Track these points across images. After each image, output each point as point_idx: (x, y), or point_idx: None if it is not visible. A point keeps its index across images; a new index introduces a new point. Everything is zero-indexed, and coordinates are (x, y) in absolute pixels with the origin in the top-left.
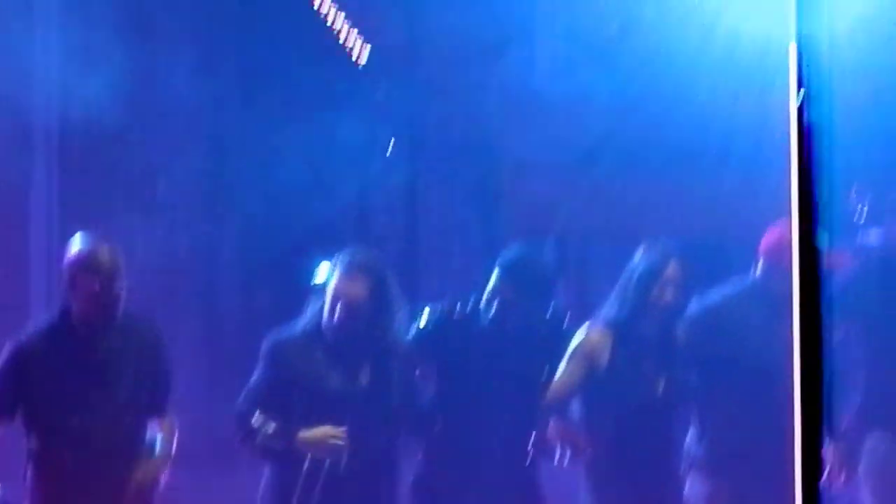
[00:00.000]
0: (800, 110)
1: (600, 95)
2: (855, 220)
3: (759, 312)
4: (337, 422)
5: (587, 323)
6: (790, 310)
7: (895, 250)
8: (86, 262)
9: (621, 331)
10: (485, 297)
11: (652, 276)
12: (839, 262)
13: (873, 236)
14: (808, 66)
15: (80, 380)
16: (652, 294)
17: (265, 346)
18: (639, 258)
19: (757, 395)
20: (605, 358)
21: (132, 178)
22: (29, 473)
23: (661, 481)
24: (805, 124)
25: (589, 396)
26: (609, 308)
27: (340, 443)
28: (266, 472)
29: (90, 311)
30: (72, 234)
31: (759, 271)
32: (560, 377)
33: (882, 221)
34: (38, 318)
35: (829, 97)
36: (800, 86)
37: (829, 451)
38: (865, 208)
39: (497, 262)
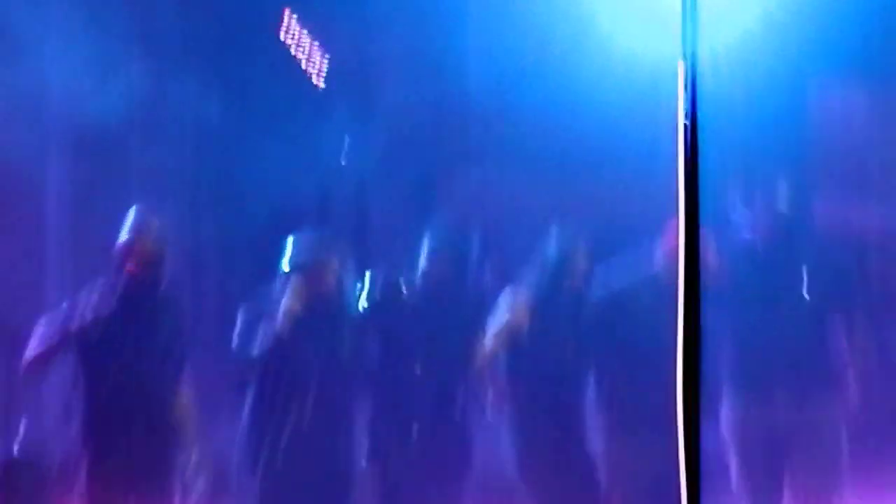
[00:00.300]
0: (687, 121)
1: (525, 106)
2: (734, 217)
3: (653, 296)
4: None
5: (508, 300)
6: (676, 294)
7: (766, 244)
8: (133, 246)
9: (537, 306)
10: (419, 273)
11: (561, 261)
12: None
13: (748, 231)
14: (692, 81)
15: (130, 334)
16: (560, 276)
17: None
18: (551, 245)
19: (645, 368)
20: (524, 329)
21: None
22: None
23: (568, 428)
24: (689, 134)
25: (511, 360)
26: (526, 288)
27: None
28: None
29: (136, 282)
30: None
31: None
32: (488, 343)
33: (757, 218)
34: (95, 282)
35: (712, 108)
36: (688, 100)
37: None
38: (743, 206)
39: (430, 246)
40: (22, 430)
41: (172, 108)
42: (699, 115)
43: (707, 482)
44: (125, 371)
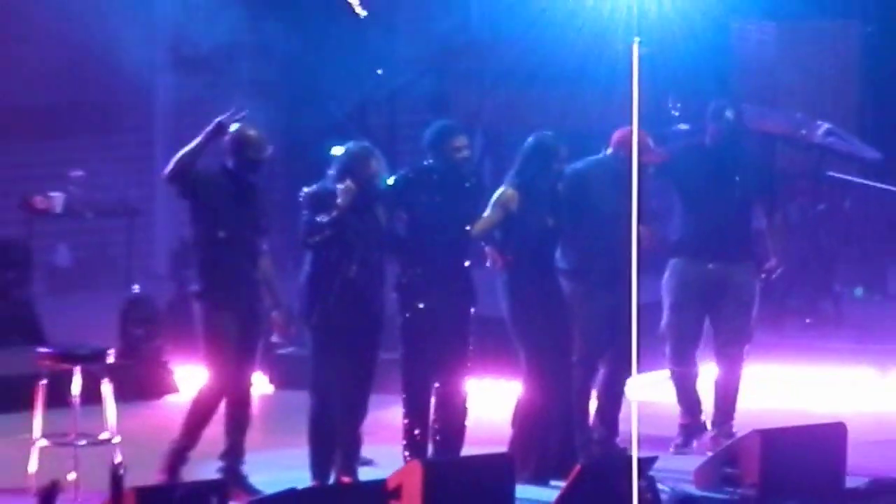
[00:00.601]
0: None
1: (514, 39)
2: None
3: (608, 177)
4: (351, 246)
5: (503, 185)
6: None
7: (719, 136)
8: (245, 139)
9: (522, 188)
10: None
11: (547, 152)
12: (658, 156)
13: (683, 134)
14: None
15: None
16: (553, 169)
17: (303, 196)
18: (531, 140)
19: (605, 227)
20: (514, 205)
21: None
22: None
23: (551, 280)
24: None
25: (505, 229)
26: (516, 174)
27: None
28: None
29: (248, 164)
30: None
31: (608, 152)
32: (487, 217)
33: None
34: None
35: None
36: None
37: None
38: (677, 113)
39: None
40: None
41: (258, 41)
42: (642, 41)
43: (644, 325)
44: (232, 236)
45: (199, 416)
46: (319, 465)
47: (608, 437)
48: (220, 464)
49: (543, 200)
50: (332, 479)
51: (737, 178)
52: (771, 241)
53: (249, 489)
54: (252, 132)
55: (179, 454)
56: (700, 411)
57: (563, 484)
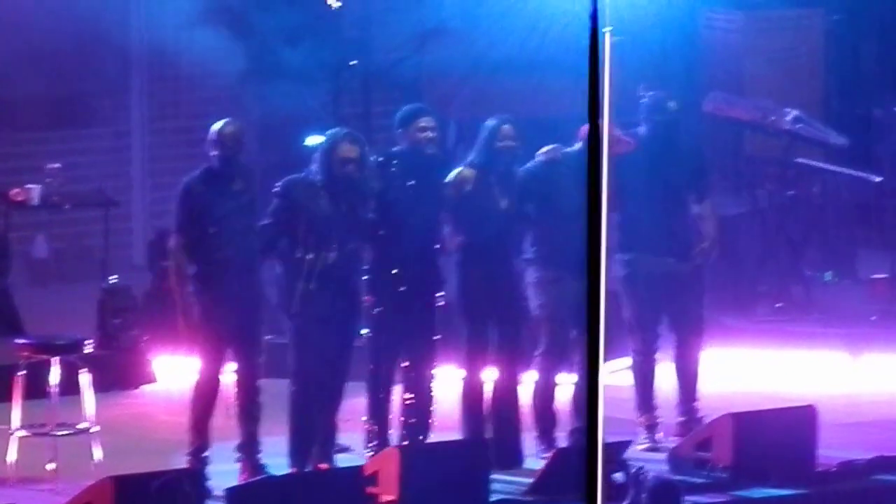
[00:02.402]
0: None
1: (490, 21)
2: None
3: (575, 170)
4: (329, 233)
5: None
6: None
7: (649, 130)
8: (224, 134)
9: (476, 168)
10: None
11: (493, 134)
12: (627, 145)
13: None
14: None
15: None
16: (496, 148)
17: (280, 186)
18: (488, 122)
19: (572, 217)
20: (469, 186)
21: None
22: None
23: (502, 263)
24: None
25: (458, 210)
26: (471, 154)
27: None
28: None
29: (225, 165)
30: None
31: (578, 146)
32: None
33: (655, 111)
34: (191, 173)
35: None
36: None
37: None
38: (646, 101)
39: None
40: None
41: (231, 31)
42: (612, 30)
43: (615, 312)
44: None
45: (198, 414)
46: (298, 453)
47: (584, 428)
48: (237, 455)
49: (499, 182)
50: (308, 467)
51: (676, 170)
52: (703, 226)
53: None
54: (229, 128)
55: (196, 457)
56: (655, 406)
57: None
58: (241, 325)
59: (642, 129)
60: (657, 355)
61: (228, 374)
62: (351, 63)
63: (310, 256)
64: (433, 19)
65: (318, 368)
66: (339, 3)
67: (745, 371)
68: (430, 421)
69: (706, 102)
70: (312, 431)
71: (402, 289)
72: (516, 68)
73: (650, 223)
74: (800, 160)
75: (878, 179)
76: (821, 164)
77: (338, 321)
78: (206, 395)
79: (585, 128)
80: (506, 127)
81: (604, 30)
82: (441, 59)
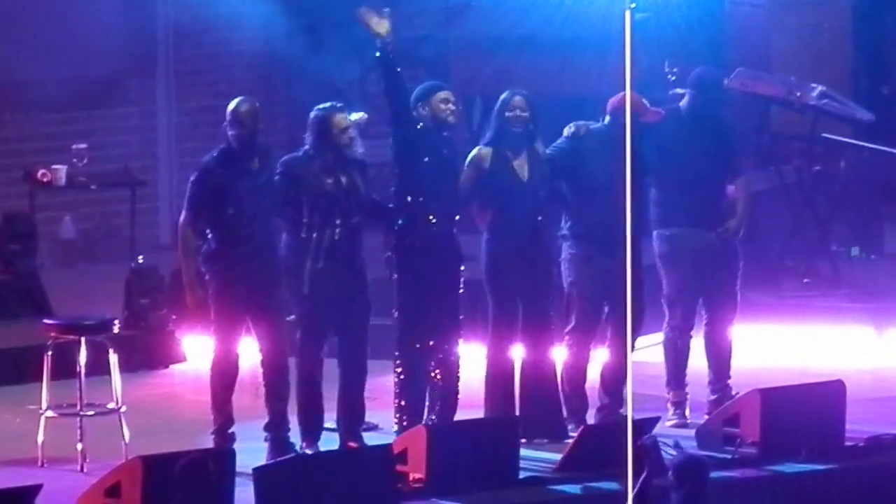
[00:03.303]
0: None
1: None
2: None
3: (605, 145)
4: (332, 209)
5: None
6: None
7: (693, 104)
8: (240, 113)
9: (493, 145)
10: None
11: (504, 105)
12: (656, 114)
13: (677, 97)
14: None
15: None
16: (506, 118)
17: (280, 167)
18: (502, 96)
19: (604, 193)
20: (486, 163)
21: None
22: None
23: (531, 237)
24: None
25: (481, 187)
26: (487, 133)
27: None
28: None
29: (242, 141)
30: None
31: (606, 120)
32: (463, 177)
33: (683, 86)
34: (210, 153)
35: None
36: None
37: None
38: (673, 77)
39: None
40: None
41: (258, 12)
42: (638, 6)
43: (646, 287)
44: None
45: (217, 391)
46: (310, 431)
47: (612, 406)
48: (265, 434)
49: (517, 155)
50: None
51: (717, 146)
52: (737, 204)
53: None
54: (245, 106)
55: (221, 434)
56: (686, 383)
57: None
58: (261, 304)
59: (685, 103)
60: (692, 332)
61: (256, 353)
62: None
63: (315, 235)
64: None
65: (338, 346)
66: None
67: (773, 347)
68: (457, 398)
69: (732, 79)
70: (322, 410)
71: (426, 264)
72: (542, 45)
73: (691, 199)
74: (826, 136)
75: None
76: (847, 140)
77: (349, 296)
78: (223, 372)
79: (612, 101)
80: (517, 98)
81: (628, 6)
82: (466, 35)
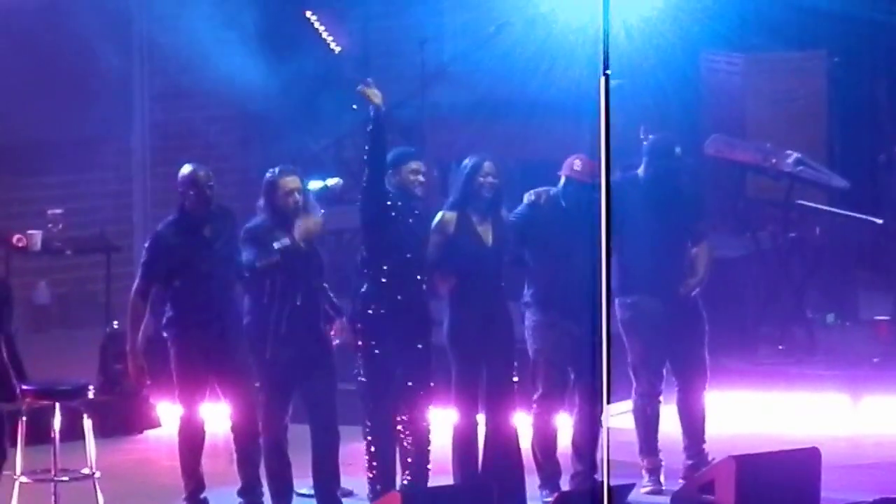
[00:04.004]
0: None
1: (491, 65)
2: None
3: (561, 211)
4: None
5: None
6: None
7: (648, 172)
8: (192, 178)
9: (458, 209)
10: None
11: (474, 169)
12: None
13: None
14: (608, 48)
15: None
16: (475, 182)
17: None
18: (467, 161)
19: (565, 258)
20: (451, 228)
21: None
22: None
23: (493, 302)
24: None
25: (445, 253)
26: (452, 196)
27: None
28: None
29: (198, 207)
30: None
31: (561, 182)
32: (430, 243)
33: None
34: (167, 217)
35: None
36: (605, 68)
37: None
38: (650, 143)
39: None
40: None
41: (234, 75)
42: (613, 73)
43: (614, 353)
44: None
45: (185, 455)
46: (280, 497)
47: (586, 472)
48: (239, 500)
49: (483, 220)
50: None
51: (677, 212)
52: (696, 264)
53: None
54: (201, 172)
55: (193, 500)
56: (658, 449)
57: None
58: (223, 369)
59: (642, 171)
60: (660, 398)
61: (227, 420)
62: (352, 107)
63: (277, 301)
64: (434, 63)
65: (307, 412)
66: (341, 48)
67: (748, 413)
68: (427, 464)
69: (707, 145)
70: (290, 477)
71: (392, 330)
72: (517, 111)
73: (651, 265)
74: (801, 202)
75: (880, 222)
76: (823, 207)
77: (314, 363)
78: (188, 436)
79: (566, 164)
80: (487, 164)
81: (604, 72)
82: (442, 102)
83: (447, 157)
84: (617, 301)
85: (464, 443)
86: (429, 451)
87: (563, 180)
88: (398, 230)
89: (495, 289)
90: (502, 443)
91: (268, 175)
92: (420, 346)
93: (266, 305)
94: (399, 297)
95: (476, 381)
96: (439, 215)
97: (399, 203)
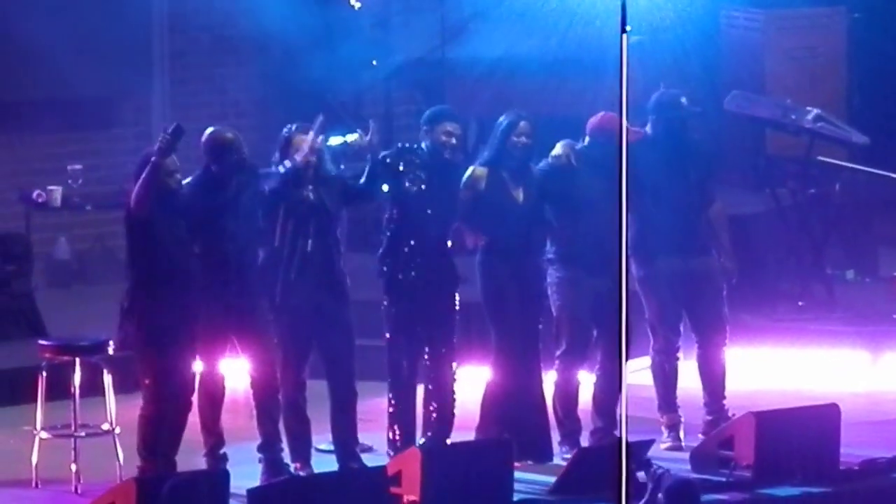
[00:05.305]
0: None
1: (511, 21)
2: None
3: (589, 166)
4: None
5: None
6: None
7: (655, 129)
8: (220, 139)
9: (490, 166)
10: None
11: (509, 127)
12: (636, 134)
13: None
14: (626, 4)
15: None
16: (509, 140)
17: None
18: (502, 119)
19: (588, 215)
20: (482, 184)
21: None
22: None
23: (525, 259)
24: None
25: (476, 209)
26: (485, 152)
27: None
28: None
29: (226, 170)
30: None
31: (586, 141)
32: (459, 198)
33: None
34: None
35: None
36: (623, 25)
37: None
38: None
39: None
40: None
41: (253, 32)
42: (633, 29)
43: (634, 310)
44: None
45: (205, 410)
46: (300, 452)
47: (606, 428)
48: (259, 455)
49: (514, 178)
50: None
51: (690, 168)
52: (720, 240)
53: None
54: (229, 134)
55: (213, 455)
56: (677, 406)
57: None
58: (243, 325)
59: (649, 128)
60: (679, 354)
61: (247, 376)
62: (372, 63)
63: (286, 246)
64: (454, 18)
65: (323, 363)
66: (360, 4)
67: (767, 370)
68: (452, 420)
69: (727, 101)
70: (309, 427)
71: (419, 287)
72: (537, 67)
73: (666, 222)
74: (821, 158)
75: None
76: (842, 163)
77: (327, 310)
78: (208, 391)
79: (591, 121)
80: (524, 124)
81: (624, 29)
82: (462, 58)
83: (466, 115)
84: (633, 258)
85: (498, 399)
86: (454, 408)
87: (587, 137)
88: (423, 189)
89: (526, 246)
90: (528, 397)
91: (284, 131)
92: (445, 304)
93: (277, 250)
94: (421, 257)
95: (513, 338)
96: (470, 170)
97: (426, 160)
